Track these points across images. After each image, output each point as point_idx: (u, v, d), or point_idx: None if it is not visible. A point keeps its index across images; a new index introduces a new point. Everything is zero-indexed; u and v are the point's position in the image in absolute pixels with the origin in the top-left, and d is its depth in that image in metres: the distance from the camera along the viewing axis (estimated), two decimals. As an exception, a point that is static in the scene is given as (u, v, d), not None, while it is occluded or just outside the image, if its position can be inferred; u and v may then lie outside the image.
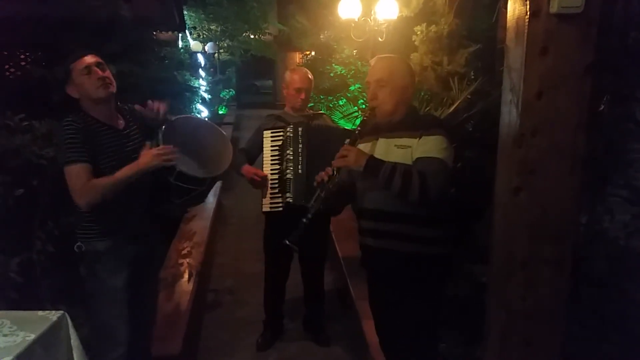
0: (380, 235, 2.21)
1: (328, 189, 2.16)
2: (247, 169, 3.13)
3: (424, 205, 2.05)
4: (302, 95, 3.21)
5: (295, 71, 3.31)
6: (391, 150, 2.15)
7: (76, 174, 2.16)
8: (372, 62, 2.28)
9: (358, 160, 2.07)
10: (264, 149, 3.13)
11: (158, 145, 2.31)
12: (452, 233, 2.26)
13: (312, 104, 9.00)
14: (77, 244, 2.31)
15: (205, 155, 2.55)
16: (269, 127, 3.18)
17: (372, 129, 2.28)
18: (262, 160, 3.14)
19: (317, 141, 3.03)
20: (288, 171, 3.04)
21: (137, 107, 2.52)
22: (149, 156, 2.24)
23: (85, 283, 2.37)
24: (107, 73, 2.29)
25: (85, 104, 2.28)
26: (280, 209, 3.06)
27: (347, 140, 2.19)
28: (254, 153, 3.25)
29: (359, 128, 2.24)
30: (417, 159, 2.07)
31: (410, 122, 2.18)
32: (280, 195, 3.07)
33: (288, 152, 3.05)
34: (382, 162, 2.06)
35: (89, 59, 2.25)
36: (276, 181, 3.08)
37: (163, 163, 2.24)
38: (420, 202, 2.01)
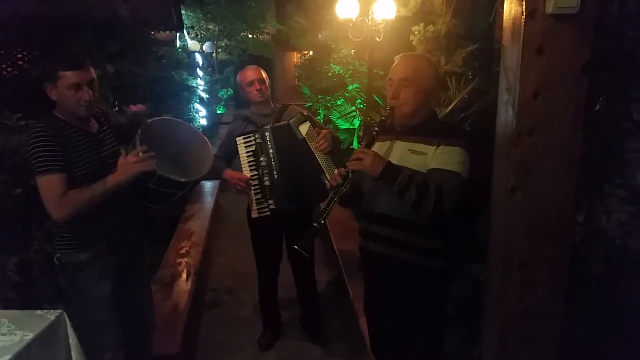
0: (383, 241, 2.15)
1: (342, 192, 2.07)
2: (229, 173, 3.11)
3: (435, 218, 1.98)
4: (257, 86, 3.14)
5: (243, 70, 3.25)
6: (406, 154, 2.07)
7: (52, 184, 2.06)
8: (397, 59, 2.15)
9: (374, 165, 1.97)
10: (240, 156, 3.10)
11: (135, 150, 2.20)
12: (457, 245, 2.20)
13: (309, 104, 9.05)
14: (57, 255, 2.24)
15: (185, 157, 2.47)
16: (240, 132, 3.14)
17: (389, 127, 2.19)
18: (240, 165, 3.11)
19: (285, 141, 3.02)
20: (265, 178, 3.05)
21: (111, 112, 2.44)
22: (128, 165, 2.13)
23: (68, 293, 2.32)
24: (95, 92, 2.17)
25: (60, 108, 2.18)
26: (268, 213, 3.07)
27: (365, 142, 2.10)
28: (229, 159, 3.22)
29: (376, 128, 2.13)
30: (433, 169, 1.99)
31: (428, 128, 2.09)
32: (264, 200, 3.08)
33: (261, 159, 3.04)
34: (399, 170, 1.97)
35: (83, 75, 2.10)
36: (258, 187, 3.08)
37: (144, 170, 2.15)
38: (433, 217, 1.95)
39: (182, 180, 2.34)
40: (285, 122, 3.07)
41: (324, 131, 3.02)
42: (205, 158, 2.60)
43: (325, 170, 2.97)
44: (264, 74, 3.21)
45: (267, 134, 3.03)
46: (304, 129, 3.01)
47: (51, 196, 2.07)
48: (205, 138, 2.72)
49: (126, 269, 2.40)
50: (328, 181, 2.84)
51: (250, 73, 3.18)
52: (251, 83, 3.15)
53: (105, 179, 2.14)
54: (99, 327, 2.30)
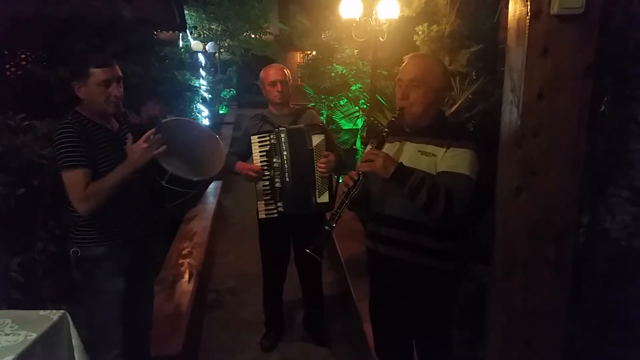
0: (393, 243, 2.14)
1: (353, 195, 2.04)
2: (241, 165, 3.10)
3: (445, 221, 1.97)
4: (278, 87, 3.12)
5: (268, 67, 3.24)
6: (416, 155, 2.06)
7: (77, 179, 2.13)
8: (406, 59, 2.14)
9: (385, 167, 1.95)
10: (254, 154, 3.09)
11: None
12: (465, 248, 2.19)
13: (313, 104, 9.06)
14: (73, 249, 2.28)
15: (197, 157, 2.51)
16: (256, 131, 3.14)
17: (398, 129, 2.17)
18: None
19: (299, 145, 3.01)
20: (277, 180, 3.04)
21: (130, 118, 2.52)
22: (139, 151, 2.18)
23: (82, 287, 2.37)
24: (121, 89, 2.26)
25: (85, 106, 2.25)
26: (276, 215, 3.07)
27: (375, 143, 2.09)
28: (243, 157, 3.20)
29: (386, 130, 2.12)
30: (444, 172, 1.98)
31: (438, 129, 2.08)
32: (273, 202, 3.07)
33: (274, 160, 3.04)
34: (410, 172, 1.95)
35: (112, 72, 2.20)
36: (268, 188, 3.07)
37: (154, 154, 2.19)
38: (443, 220, 1.95)
39: (194, 179, 2.38)
40: (300, 126, 3.06)
41: (330, 156, 2.97)
42: (218, 158, 2.63)
43: (317, 188, 2.98)
44: (287, 75, 3.19)
45: (282, 135, 3.02)
46: (316, 139, 2.99)
47: (77, 191, 2.14)
48: (218, 138, 2.76)
49: (137, 266, 2.45)
50: (315, 198, 2.98)
51: (274, 72, 3.16)
52: (273, 83, 3.13)
53: (120, 165, 2.20)
54: (109, 322, 2.34)
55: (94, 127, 2.24)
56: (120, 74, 2.26)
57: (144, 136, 2.19)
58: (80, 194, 2.13)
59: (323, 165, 2.93)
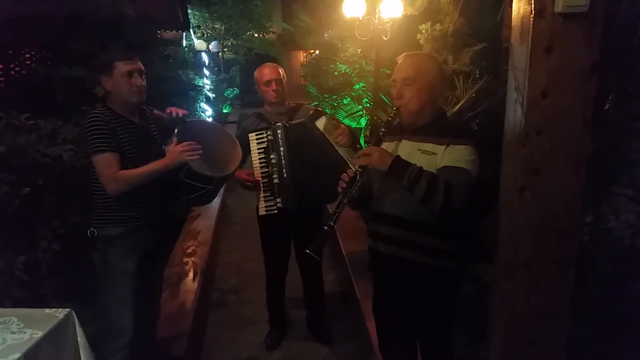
0: (392, 242, 2.14)
1: (352, 194, 2.04)
2: (238, 173, 3.07)
3: (444, 216, 1.96)
4: (273, 87, 3.10)
5: (261, 67, 3.21)
6: (415, 154, 2.05)
7: (107, 162, 2.30)
8: (400, 59, 2.15)
9: (382, 160, 1.97)
10: (252, 152, 3.10)
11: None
12: (467, 247, 2.19)
13: (316, 103, 9.05)
14: (90, 229, 2.42)
15: (215, 156, 2.62)
16: (253, 128, 3.14)
17: (396, 128, 2.18)
18: (252, 162, 3.11)
19: (297, 141, 3.00)
20: (274, 176, 3.04)
21: (155, 112, 2.70)
22: (175, 152, 2.36)
23: (97, 269, 2.47)
24: (144, 81, 2.44)
25: (113, 99, 2.43)
26: (276, 211, 3.07)
27: (371, 143, 2.11)
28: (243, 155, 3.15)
29: (383, 129, 2.13)
30: (444, 167, 1.97)
31: (437, 127, 2.08)
32: (272, 198, 3.08)
33: (272, 156, 3.04)
34: (408, 163, 1.96)
35: (134, 65, 2.40)
36: (267, 184, 3.08)
37: (189, 159, 2.35)
38: (442, 213, 1.93)
39: (209, 174, 2.50)
40: (300, 120, 3.05)
41: (342, 126, 2.89)
42: (234, 157, 2.76)
43: (349, 163, 2.92)
44: (281, 73, 3.18)
45: (279, 131, 3.02)
46: (320, 123, 2.92)
47: (107, 172, 2.31)
48: (236, 140, 2.88)
49: (151, 251, 2.55)
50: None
51: (268, 72, 3.14)
52: (268, 82, 3.11)
53: (155, 162, 2.39)
54: (121, 306, 2.43)
55: (119, 119, 2.40)
56: (142, 67, 2.45)
57: (186, 143, 2.37)
58: (110, 175, 2.30)
59: (340, 137, 2.87)
